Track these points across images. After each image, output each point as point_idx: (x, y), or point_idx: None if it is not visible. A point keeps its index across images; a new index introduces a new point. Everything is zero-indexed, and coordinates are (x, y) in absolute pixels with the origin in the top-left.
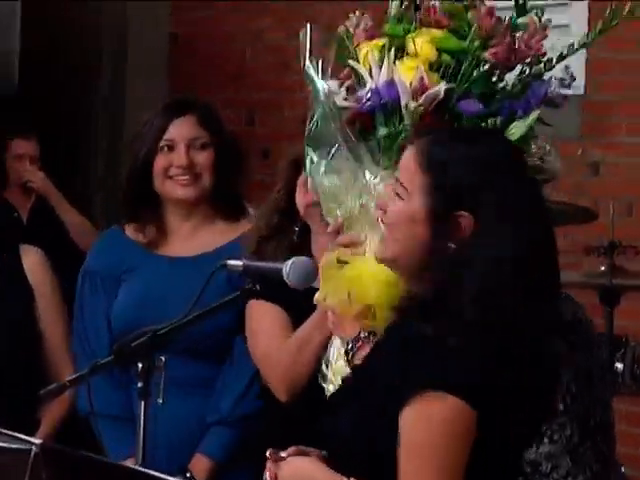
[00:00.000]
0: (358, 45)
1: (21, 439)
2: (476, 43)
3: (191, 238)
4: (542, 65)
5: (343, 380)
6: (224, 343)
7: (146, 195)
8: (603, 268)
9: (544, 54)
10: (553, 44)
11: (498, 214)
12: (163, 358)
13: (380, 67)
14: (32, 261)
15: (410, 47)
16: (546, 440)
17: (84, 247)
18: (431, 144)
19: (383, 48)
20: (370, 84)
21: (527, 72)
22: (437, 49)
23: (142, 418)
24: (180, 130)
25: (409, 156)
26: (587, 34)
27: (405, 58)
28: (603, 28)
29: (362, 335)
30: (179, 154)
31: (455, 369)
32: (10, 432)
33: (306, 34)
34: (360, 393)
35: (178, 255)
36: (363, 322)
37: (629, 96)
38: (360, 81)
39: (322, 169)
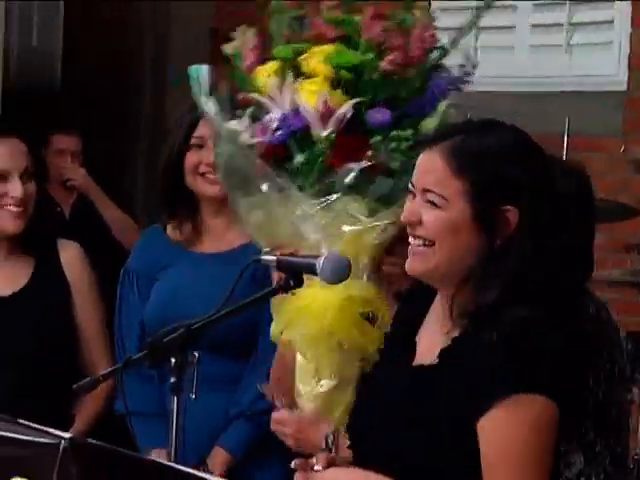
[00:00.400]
0: (252, 69)
1: (50, 433)
2: (370, 55)
3: (221, 235)
4: (437, 55)
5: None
6: (250, 338)
7: (181, 192)
8: None
9: (437, 46)
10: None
11: (539, 202)
12: (197, 354)
13: (281, 93)
14: (70, 256)
15: (305, 68)
16: None
17: (126, 244)
18: (459, 145)
19: (279, 71)
20: (276, 114)
21: (424, 66)
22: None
23: (175, 414)
24: (210, 127)
25: (434, 161)
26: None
27: (304, 81)
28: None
29: None
30: (208, 151)
31: (534, 369)
32: (39, 426)
33: (204, 74)
34: (416, 404)
35: (208, 252)
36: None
37: None
38: (262, 110)
39: (245, 207)
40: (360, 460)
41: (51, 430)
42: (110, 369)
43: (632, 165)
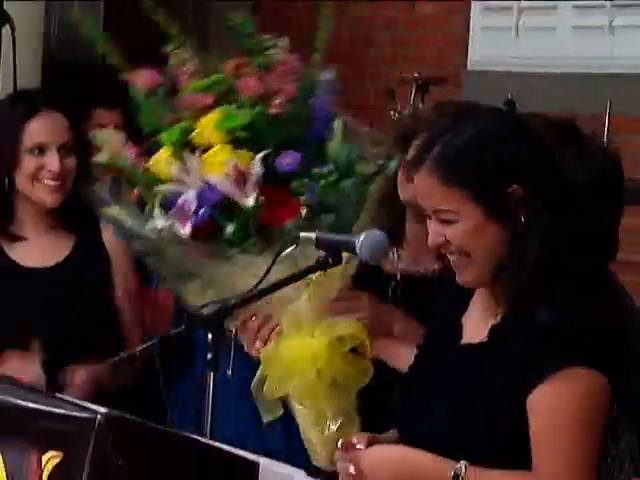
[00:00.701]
0: (138, 163)
1: (86, 408)
2: (258, 108)
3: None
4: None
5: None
6: None
7: None
8: None
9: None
10: None
11: (537, 174)
12: (234, 329)
13: (188, 174)
14: (111, 236)
15: (201, 142)
16: None
17: None
18: (441, 155)
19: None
20: (190, 196)
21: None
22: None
23: (211, 389)
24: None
25: (426, 183)
26: None
27: (205, 155)
28: None
29: None
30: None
31: (582, 343)
32: (75, 400)
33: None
34: (465, 380)
35: None
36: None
37: None
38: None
39: (195, 291)
40: (407, 439)
41: (87, 404)
42: (147, 344)
43: None
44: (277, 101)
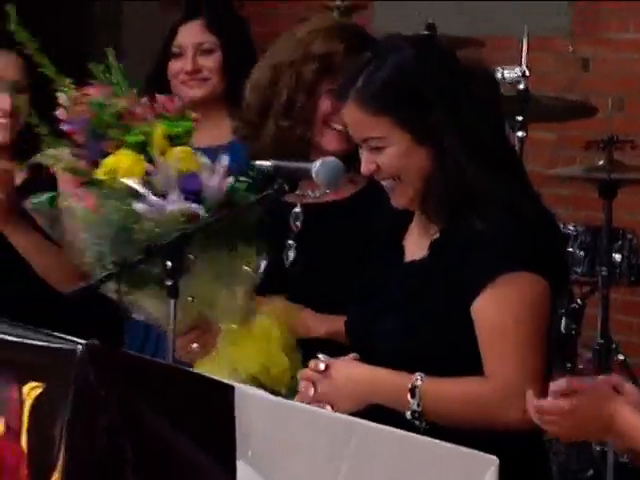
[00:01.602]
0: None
1: (66, 339)
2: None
3: (208, 133)
4: None
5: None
6: None
7: None
8: (601, 162)
9: None
10: None
11: (454, 98)
12: (192, 257)
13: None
14: None
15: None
16: None
17: None
18: (365, 87)
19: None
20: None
21: None
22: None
23: (172, 316)
24: (188, 35)
25: (354, 114)
26: None
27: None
28: None
29: None
30: (185, 59)
31: (519, 248)
32: (54, 333)
33: None
34: (412, 297)
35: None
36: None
37: None
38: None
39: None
40: (361, 352)
41: (66, 336)
42: (106, 273)
43: (580, 64)
44: None
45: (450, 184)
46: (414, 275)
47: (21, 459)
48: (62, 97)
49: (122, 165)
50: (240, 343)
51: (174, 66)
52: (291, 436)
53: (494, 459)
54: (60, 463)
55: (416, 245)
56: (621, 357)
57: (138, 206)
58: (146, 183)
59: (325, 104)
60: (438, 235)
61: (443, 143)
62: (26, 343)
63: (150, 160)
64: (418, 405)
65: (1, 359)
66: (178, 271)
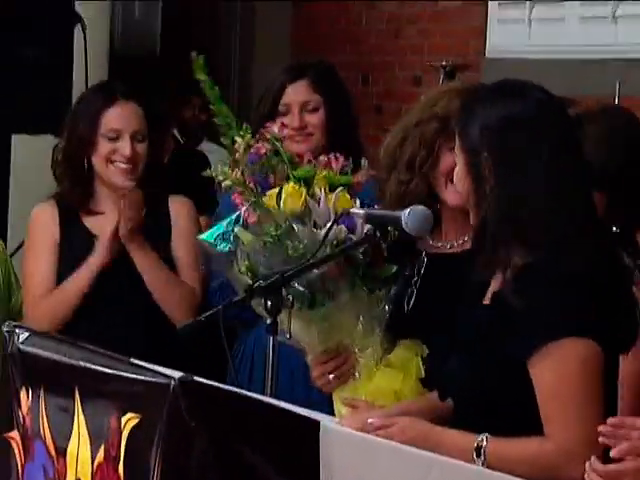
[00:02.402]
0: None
1: (161, 373)
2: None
3: None
4: None
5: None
6: None
7: None
8: None
9: None
10: None
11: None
12: (290, 297)
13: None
14: (177, 206)
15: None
16: None
17: None
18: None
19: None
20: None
21: None
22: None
23: (271, 352)
24: (294, 94)
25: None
26: None
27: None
28: None
29: None
30: (292, 117)
31: (585, 315)
32: (150, 365)
33: None
34: (476, 345)
35: None
36: None
37: None
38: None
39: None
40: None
41: (161, 369)
42: (212, 311)
43: None
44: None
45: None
46: (482, 319)
47: None
48: (239, 142)
49: (286, 193)
50: (376, 378)
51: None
52: (373, 470)
53: None
54: None
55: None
56: None
57: (297, 225)
58: (306, 213)
59: (447, 160)
60: (499, 286)
61: (487, 185)
62: (126, 376)
63: (311, 195)
64: (483, 464)
65: (104, 391)
66: (277, 310)
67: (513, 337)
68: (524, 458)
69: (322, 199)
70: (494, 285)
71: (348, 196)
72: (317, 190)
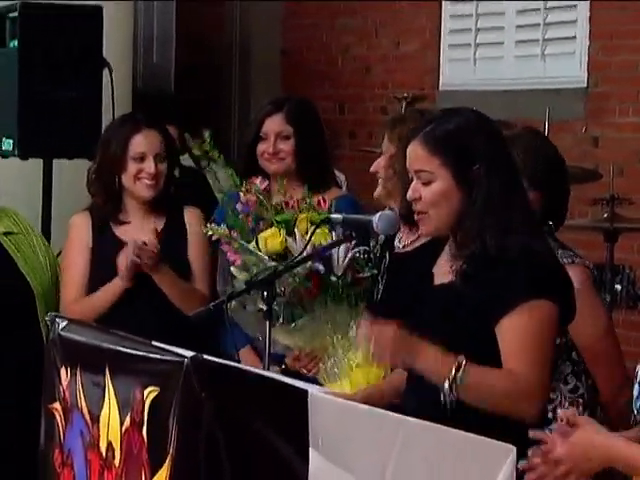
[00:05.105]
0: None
1: (176, 353)
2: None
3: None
4: None
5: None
6: None
7: (256, 170)
8: (605, 215)
9: None
10: None
11: (495, 157)
12: (283, 288)
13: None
14: (190, 215)
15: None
16: None
17: None
18: (431, 132)
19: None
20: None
21: None
22: None
23: (268, 335)
24: (271, 125)
25: (416, 150)
26: None
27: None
28: None
29: None
30: (267, 143)
31: (544, 279)
32: (167, 346)
33: None
34: (448, 316)
35: None
36: None
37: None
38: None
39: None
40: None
41: (177, 350)
42: (218, 301)
43: (591, 141)
44: None
45: (479, 222)
46: (445, 296)
47: (142, 446)
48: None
49: (266, 236)
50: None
51: (260, 147)
52: (353, 430)
53: (512, 447)
54: (171, 451)
55: (443, 272)
56: None
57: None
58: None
59: None
60: (463, 264)
61: (477, 190)
62: (147, 356)
63: (289, 234)
64: (460, 380)
65: (129, 368)
66: (272, 299)
67: (485, 302)
68: (499, 375)
69: (298, 237)
70: (439, 270)
71: (327, 230)
72: (296, 231)
